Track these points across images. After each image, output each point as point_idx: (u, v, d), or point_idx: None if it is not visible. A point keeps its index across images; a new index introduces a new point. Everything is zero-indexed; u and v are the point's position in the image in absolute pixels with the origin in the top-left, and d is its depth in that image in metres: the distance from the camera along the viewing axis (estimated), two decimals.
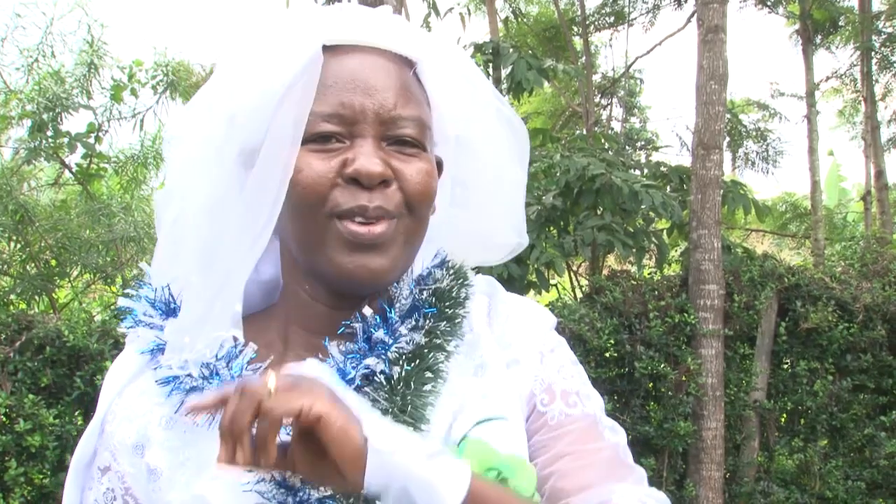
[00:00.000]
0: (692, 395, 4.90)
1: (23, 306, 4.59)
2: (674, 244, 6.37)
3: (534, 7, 12.19)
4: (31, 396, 3.52)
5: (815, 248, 8.99)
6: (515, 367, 1.00)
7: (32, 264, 4.72)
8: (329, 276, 0.93)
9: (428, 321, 0.95)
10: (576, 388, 1.00)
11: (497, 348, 1.00)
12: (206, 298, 0.93)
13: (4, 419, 3.48)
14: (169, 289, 0.99)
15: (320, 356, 0.93)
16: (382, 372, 0.91)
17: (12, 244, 4.64)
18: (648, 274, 5.67)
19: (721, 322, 5.10)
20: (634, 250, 5.38)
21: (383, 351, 0.92)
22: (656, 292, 5.10)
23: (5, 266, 4.67)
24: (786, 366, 5.37)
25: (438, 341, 0.94)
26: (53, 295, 4.83)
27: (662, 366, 4.80)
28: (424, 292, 0.97)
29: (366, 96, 0.91)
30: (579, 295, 5.96)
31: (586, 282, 5.91)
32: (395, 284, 0.97)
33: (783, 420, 5.47)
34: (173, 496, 0.89)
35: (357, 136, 0.91)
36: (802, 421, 5.40)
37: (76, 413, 3.67)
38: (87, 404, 3.66)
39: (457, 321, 0.97)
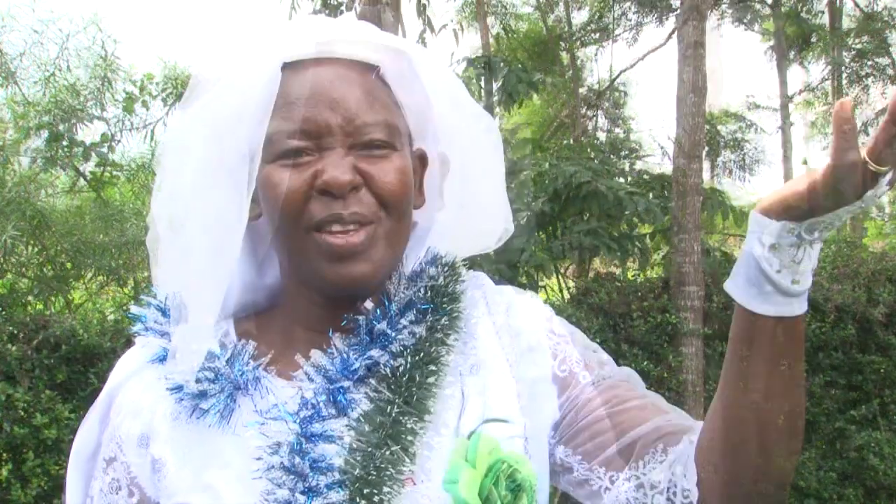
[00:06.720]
0: (673, 391, 5.09)
1: (40, 307, 4.69)
2: (656, 248, 6.52)
3: (523, 23, 12.44)
4: (47, 392, 3.62)
5: None
6: (531, 354, 1.00)
7: (49, 267, 4.81)
8: (316, 286, 0.95)
9: (428, 316, 0.95)
10: (607, 360, 1.05)
11: (497, 343, 1.00)
12: (190, 310, 0.94)
13: (23, 413, 3.56)
14: (179, 297, 0.97)
15: (324, 348, 0.94)
16: (387, 364, 0.92)
17: (30, 248, 4.72)
18: (632, 276, 5.83)
19: (701, 321, 5.29)
20: (619, 254, 5.54)
21: (386, 343, 0.93)
22: (640, 294, 5.29)
23: (23, 268, 4.75)
24: None
25: (439, 335, 0.94)
26: (69, 296, 4.91)
27: (646, 363, 4.99)
28: (421, 289, 0.97)
29: (328, 110, 0.90)
30: (567, 296, 6.09)
31: (574, 284, 6.09)
32: (391, 281, 0.97)
33: None
34: (178, 486, 0.90)
35: (325, 147, 0.91)
36: None
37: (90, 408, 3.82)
38: None
39: (455, 316, 0.97)
